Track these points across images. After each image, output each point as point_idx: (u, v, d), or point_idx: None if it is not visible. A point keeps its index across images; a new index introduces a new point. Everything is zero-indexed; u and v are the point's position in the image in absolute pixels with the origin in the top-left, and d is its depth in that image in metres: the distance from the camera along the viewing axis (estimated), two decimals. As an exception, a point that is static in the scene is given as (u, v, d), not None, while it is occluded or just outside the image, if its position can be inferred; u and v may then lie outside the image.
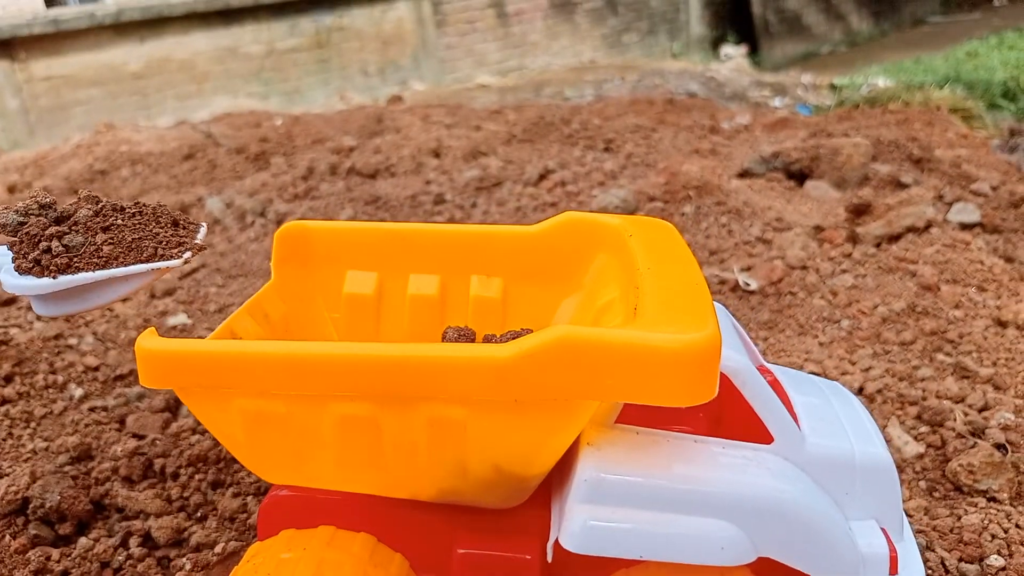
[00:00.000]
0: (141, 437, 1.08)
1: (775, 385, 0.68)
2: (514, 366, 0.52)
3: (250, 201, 2.02)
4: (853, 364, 1.23)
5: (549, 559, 0.60)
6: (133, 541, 0.92)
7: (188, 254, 0.67)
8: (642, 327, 0.52)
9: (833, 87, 5.37)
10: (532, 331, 0.76)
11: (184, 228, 0.70)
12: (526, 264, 0.80)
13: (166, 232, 0.67)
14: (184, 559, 0.88)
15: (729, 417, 0.68)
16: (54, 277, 0.62)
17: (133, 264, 0.64)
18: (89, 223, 0.66)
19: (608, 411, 0.61)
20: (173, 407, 1.17)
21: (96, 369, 1.26)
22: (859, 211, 1.52)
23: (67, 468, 1.01)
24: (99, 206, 0.68)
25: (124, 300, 1.50)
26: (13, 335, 1.26)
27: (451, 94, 6.11)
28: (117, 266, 0.64)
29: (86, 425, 1.12)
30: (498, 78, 6.85)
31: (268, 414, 0.57)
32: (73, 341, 1.32)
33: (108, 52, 5.36)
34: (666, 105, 3.24)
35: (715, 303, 0.72)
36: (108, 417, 1.14)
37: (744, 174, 1.91)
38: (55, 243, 0.63)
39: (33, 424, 1.13)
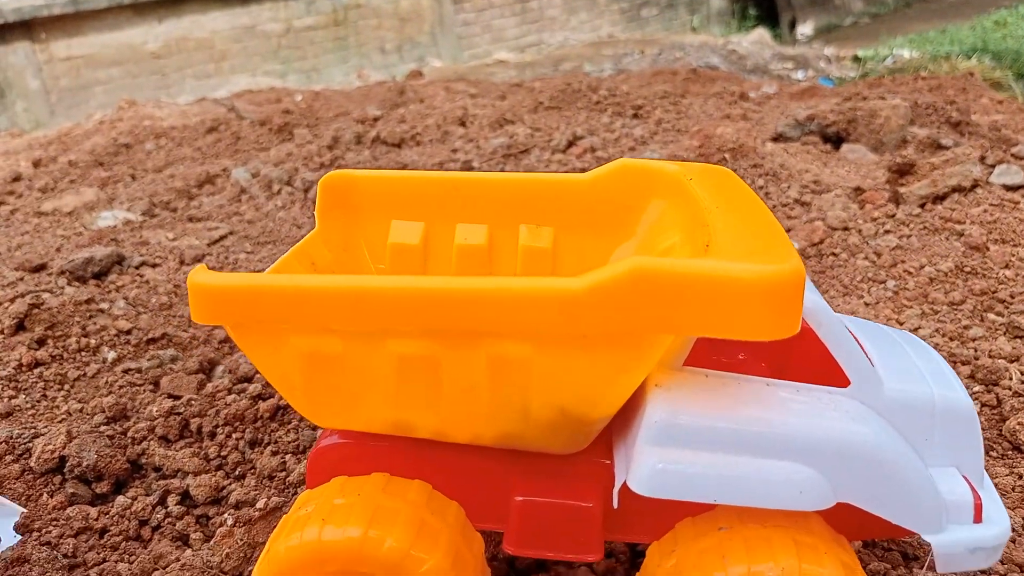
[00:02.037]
0: (176, 398, 1.07)
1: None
2: (587, 298, 0.49)
3: (276, 171, 2.00)
4: (901, 324, 1.19)
5: (615, 505, 0.57)
6: (171, 499, 0.91)
7: None
8: (718, 259, 0.49)
9: (856, 59, 5.27)
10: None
11: None
12: (577, 213, 0.77)
13: None
14: (225, 515, 0.86)
15: (797, 362, 0.65)
16: None
17: None
18: None
19: (675, 353, 0.58)
20: (207, 368, 1.15)
21: (128, 332, 1.24)
22: (902, 171, 1.48)
23: (103, 428, 1.00)
24: None
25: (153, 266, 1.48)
26: (45, 299, 1.25)
27: (469, 70, 6.05)
28: None
29: (120, 387, 1.10)
30: (516, 54, 6.78)
31: (324, 353, 0.55)
32: (104, 305, 1.31)
33: (127, 32, 5.35)
34: (689, 75, 3.18)
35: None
36: (142, 379, 1.12)
37: (778, 138, 1.86)
38: None
39: (67, 386, 1.12)
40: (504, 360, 0.54)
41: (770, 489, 0.54)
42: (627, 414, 0.60)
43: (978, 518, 0.57)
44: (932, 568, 0.77)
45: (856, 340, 0.65)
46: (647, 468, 0.54)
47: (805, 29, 6.98)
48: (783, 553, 0.54)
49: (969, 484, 0.58)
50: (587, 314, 0.49)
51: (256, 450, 0.98)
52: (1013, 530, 0.83)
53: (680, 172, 0.71)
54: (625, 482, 0.56)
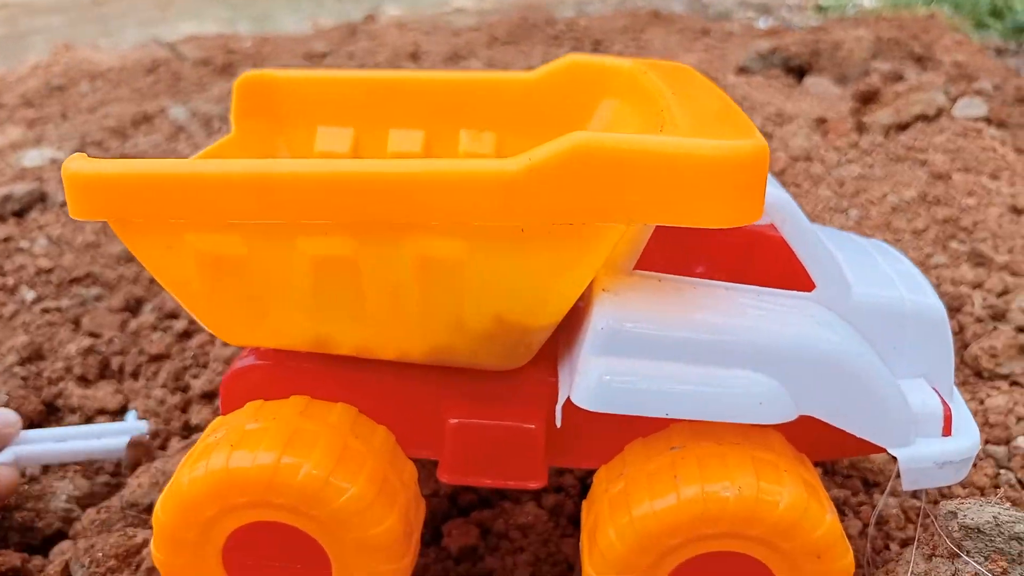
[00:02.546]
0: (97, 336, 0.99)
1: (811, 233, 0.60)
2: (524, 181, 0.43)
3: (217, 108, 1.89)
4: (864, 253, 1.16)
5: (558, 424, 0.52)
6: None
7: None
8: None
9: (819, 8, 5.22)
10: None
11: None
12: (522, 114, 0.70)
13: None
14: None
15: (757, 269, 0.60)
16: None
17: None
18: None
19: (625, 254, 0.53)
20: (133, 306, 1.07)
21: (50, 272, 1.15)
22: (866, 99, 1.43)
23: (16, 369, 0.92)
24: None
25: None
26: (-44, 236, 1.15)
27: (427, 19, 5.87)
28: None
29: (37, 327, 1.02)
30: (476, 1, 6.60)
31: (227, 255, 0.48)
32: (25, 244, 1.22)
33: (65, -24, 5.08)
34: (651, 17, 3.10)
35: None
36: (62, 318, 1.04)
37: (742, 71, 1.80)
38: None
39: (-21, 327, 1.04)
40: (433, 260, 0.47)
41: (726, 401, 0.49)
42: (572, 324, 0.54)
43: (947, 431, 0.53)
44: (893, 494, 0.74)
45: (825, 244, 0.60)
46: (592, 380, 0.48)
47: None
48: (739, 471, 0.49)
49: (939, 395, 0.54)
50: (525, 199, 0.43)
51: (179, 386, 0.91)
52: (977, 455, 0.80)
53: (635, 67, 0.64)
54: (569, 398, 0.50)
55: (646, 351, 0.49)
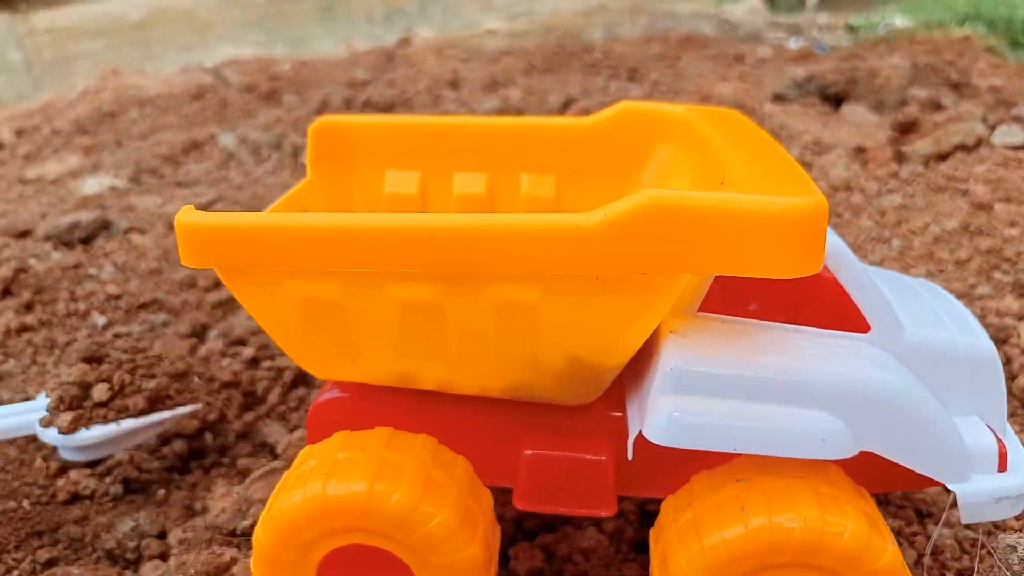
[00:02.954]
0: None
1: (865, 275, 0.63)
2: (600, 235, 0.46)
3: (265, 135, 1.95)
4: (906, 282, 1.17)
5: (630, 457, 0.55)
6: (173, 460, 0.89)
7: (200, 403, 0.88)
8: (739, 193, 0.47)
9: (850, 27, 5.22)
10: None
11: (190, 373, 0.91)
12: (580, 159, 0.74)
13: (183, 381, 0.89)
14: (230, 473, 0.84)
15: (812, 311, 0.63)
16: (88, 427, 0.79)
17: (162, 412, 0.84)
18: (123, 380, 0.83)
19: (690, 298, 0.56)
20: (199, 332, 1.12)
21: (118, 298, 1.21)
22: (905, 129, 1.45)
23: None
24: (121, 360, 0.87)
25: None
26: (32, 264, 1.21)
27: (459, 40, 5.96)
28: (149, 414, 0.83)
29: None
30: (506, 23, 6.68)
31: (322, 298, 0.52)
32: (93, 271, 1.28)
33: (109, 2, 5.23)
34: (683, 41, 3.13)
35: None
36: (133, 343, 1.09)
37: (777, 99, 1.83)
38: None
39: (57, 351, 1.09)
40: (512, 304, 0.51)
41: (791, 438, 0.51)
42: (639, 363, 0.57)
43: (1003, 467, 0.55)
44: (947, 524, 0.76)
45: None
46: (663, 417, 0.51)
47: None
48: (804, 504, 0.52)
49: (993, 432, 0.57)
50: (600, 252, 0.47)
51: (251, 413, 0.96)
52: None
53: (688, 114, 0.68)
54: (639, 433, 0.53)
55: (713, 390, 0.52)
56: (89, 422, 0.79)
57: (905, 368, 0.56)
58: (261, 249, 0.49)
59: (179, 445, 0.91)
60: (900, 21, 5.05)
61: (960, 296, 1.13)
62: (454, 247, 0.48)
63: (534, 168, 0.75)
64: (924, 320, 0.59)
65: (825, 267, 0.57)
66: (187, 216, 0.50)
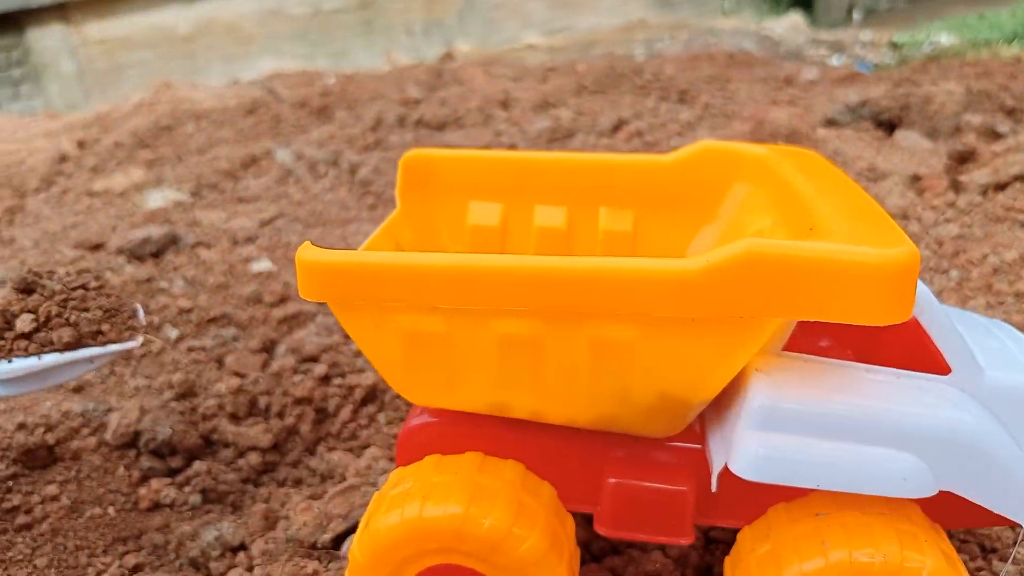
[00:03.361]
0: (243, 376, 1.08)
1: (942, 316, 0.64)
2: (701, 280, 0.49)
3: (320, 152, 2.00)
4: (964, 314, 1.18)
5: (714, 489, 0.58)
6: (248, 472, 0.92)
7: (140, 338, 0.79)
8: (833, 243, 0.49)
9: (894, 45, 5.17)
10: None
11: (126, 310, 0.80)
12: (658, 195, 0.77)
13: (118, 316, 0.79)
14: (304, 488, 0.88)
15: (884, 349, 0.65)
16: (9, 361, 0.72)
17: (92, 348, 0.75)
18: (50, 311, 0.75)
19: (775, 338, 0.58)
20: (269, 348, 1.17)
21: (189, 311, 1.26)
22: (962, 159, 1.46)
23: (173, 404, 1.02)
24: (54, 290, 0.78)
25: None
26: (107, 278, 1.27)
27: (499, 54, 6.01)
28: (77, 349, 0.74)
29: (186, 364, 1.12)
30: (546, 38, 6.74)
31: (427, 332, 0.55)
32: (164, 284, 1.33)
33: (159, 14, 5.38)
34: (727, 60, 3.14)
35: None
36: (207, 357, 1.14)
37: (830, 123, 1.84)
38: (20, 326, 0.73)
39: (133, 362, 1.14)
40: (607, 342, 0.54)
41: (873, 476, 0.53)
42: (721, 398, 0.60)
43: (1080, 509, 0.56)
44: (1014, 562, 0.77)
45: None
46: (750, 453, 0.54)
47: (858, 15, 6.87)
48: (884, 540, 0.54)
49: (1070, 474, 0.58)
50: (700, 296, 0.49)
51: (323, 428, 0.99)
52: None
53: (768, 156, 0.70)
54: (726, 466, 0.56)
55: (799, 427, 0.54)
56: (10, 354, 0.73)
57: (985, 410, 0.58)
58: (373, 285, 0.53)
59: (254, 458, 0.95)
60: (945, 39, 5.00)
61: (1020, 329, 1.14)
62: (559, 289, 0.51)
63: (613, 203, 0.77)
64: (1002, 362, 0.60)
65: (905, 309, 0.59)
66: (307, 253, 0.53)
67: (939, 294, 1.23)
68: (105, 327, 0.76)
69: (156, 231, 1.47)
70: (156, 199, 1.80)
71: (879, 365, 0.61)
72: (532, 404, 0.58)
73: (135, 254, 1.42)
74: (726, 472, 0.56)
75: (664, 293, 0.50)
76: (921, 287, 0.58)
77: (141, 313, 0.81)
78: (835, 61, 5.16)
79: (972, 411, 0.56)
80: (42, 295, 0.76)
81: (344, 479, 0.87)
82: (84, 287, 0.79)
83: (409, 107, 2.30)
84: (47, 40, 5.09)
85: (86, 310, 0.76)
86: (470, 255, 0.52)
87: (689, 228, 0.76)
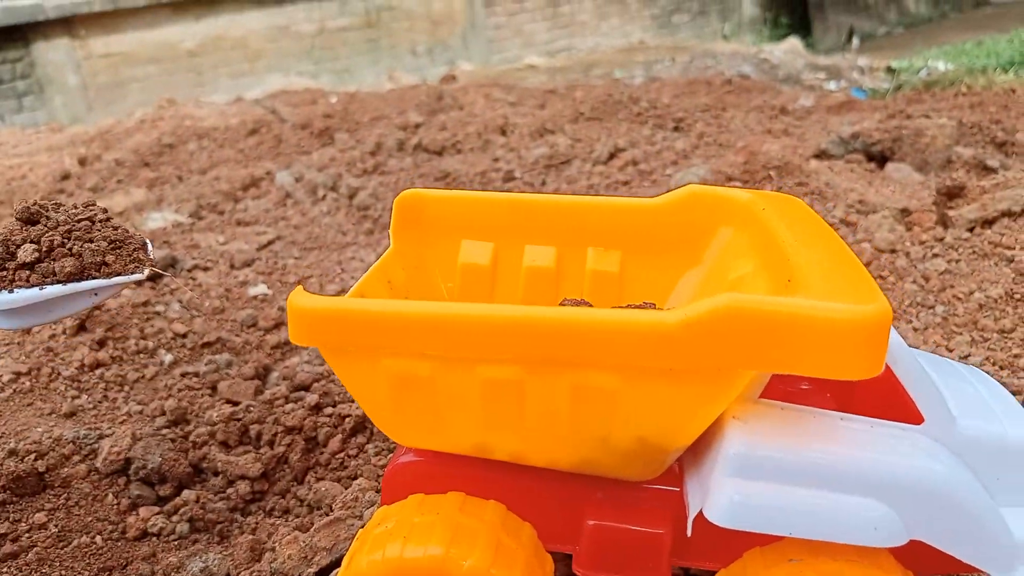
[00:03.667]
0: (235, 403, 1.09)
1: (917, 365, 0.66)
2: (679, 333, 0.50)
3: (320, 175, 2.02)
4: (950, 351, 1.19)
5: (689, 534, 0.59)
6: (236, 502, 0.93)
7: (147, 270, 0.75)
8: (807, 298, 0.51)
9: (890, 70, 5.22)
10: (655, 305, 0.74)
11: (134, 242, 0.77)
12: (645, 237, 0.78)
13: (124, 248, 0.75)
14: (291, 518, 0.88)
15: (862, 393, 0.66)
16: (11, 291, 0.70)
17: (96, 280, 0.72)
18: (53, 241, 0.72)
19: (754, 386, 0.59)
20: (262, 375, 1.18)
21: (184, 336, 1.27)
22: (951, 194, 1.48)
23: (165, 431, 1.03)
24: (59, 221, 0.74)
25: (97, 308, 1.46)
26: (105, 301, 1.28)
27: (500, 74, 6.07)
28: (80, 280, 0.71)
29: (179, 390, 1.13)
30: (547, 59, 6.80)
31: (414, 376, 0.56)
32: (160, 308, 1.34)
33: (165, 30, 5.42)
34: (725, 86, 3.17)
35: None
36: (200, 383, 1.15)
37: (822, 155, 1.86)
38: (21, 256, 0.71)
39: (127, 388, 1.15)
40: (588, 389, 0.55)
41: (845, 524, 0.54)
42: (700, 444, 0.61)
43: (1050, 559, 0.58)
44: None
45: (928, 374, 0.66)
46: (725, 499, 0.55)
47: (857, 40, 6.95)
48: (856, 587, 0.55)
49: (1041, 524, 0.59)
50: (678, 348, 0.51)
51: (312, 457, 1.00)
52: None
53: (752, 201, 0.72)
54: (701, 512, 0.57)
55: (773, 475, 0.55)
56: (11, 284, 0.70)
57: (957, 459, 0.59)
58: (362, 332, 0.54)
59: (243, 487, 0.96)
60: (942, 65, 5.04)
61: (1004, 367, 1.15)
62: (541, 338, 0.52)
63: (601, 243, 0.79)
64: (975, 411, 0.61)
65: (882, 359, 0.61)
66: (299, 299, 0.55)
67: (924, 330, 1.24)
68: (110, 258, 0.73)
69: (155, 254, 1.48)
70: (156, 220, 1.82)
71: (856, 410, 0.63)
72: (514, 447, 0.60)
73: (132, 277, 1.43)
74: (703, 516, 0.57)
75: (643, 345, 0.51)
76: (894, 336, 0.60)
77: (150, 247, 0.78)
78: (832, 86, 5.20)
79: (944, 461, 0.57)
80: (46, 225, 0.74)
81: (331, 510, 0.88)
82: (91, 219, 0.75)
83: (409, 132, 2.33)
84: (52, 53, 5.13)
85: (90, 241, 0.73)
86: (456, 304, 0.54)
87: (675, 271, 0.77)
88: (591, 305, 0.75)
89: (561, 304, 0.76)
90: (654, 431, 0.56)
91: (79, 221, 0.75)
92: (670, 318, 0.50)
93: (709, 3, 7.92)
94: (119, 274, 0.73)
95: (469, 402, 0.57)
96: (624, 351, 0.52)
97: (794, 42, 6.81)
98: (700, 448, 0.61)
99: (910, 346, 1.20)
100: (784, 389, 0.69)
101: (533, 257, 0.79)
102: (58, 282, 0.71)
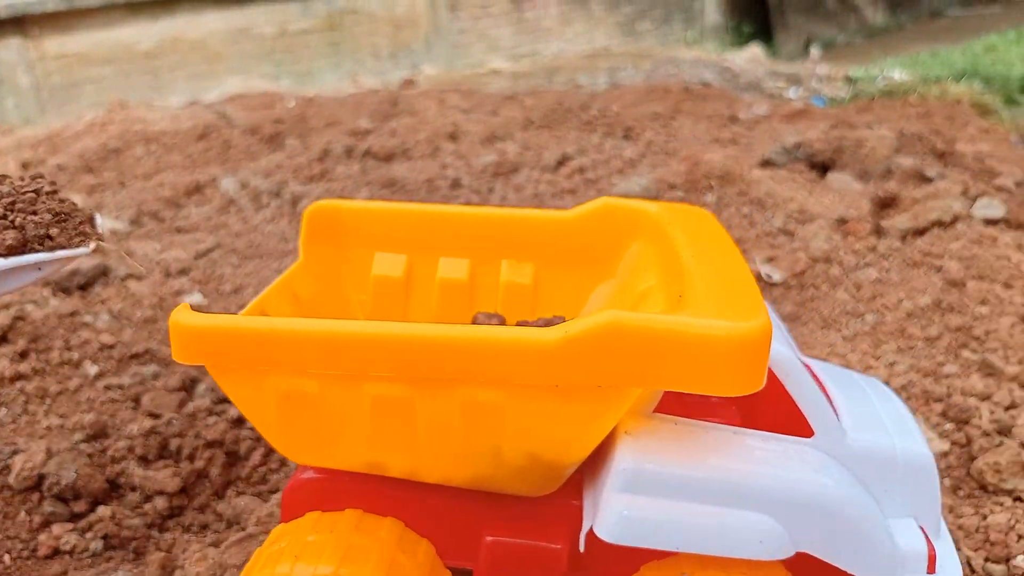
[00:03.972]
0: (157, 416, 1.07)
1: (814, 379, 0.66)
2: (560, 350, 0.50)
3: (265, 182, 2.00)
4: (877, 359, 1.21)
5: (582, 549, 0.59)
6: (147, 518, 0.91)
7: (93, 244, 0.71)
8: (691, 314, 0.51)
9: (849, 79, 5.31)
10: (564, 318, 0.74)
11: (80, 216, 0.73)
12: (559, 250, 0.78)
13: (69, 222, 0.71)
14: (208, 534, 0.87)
15: (764, 410, 0.66)
16: None
17: (39, 254, 0.68)
18: None
19: (646, 400, 0.60)
20: (189, 386, 1.16)
21: (111, 347, 1.25)
22: (885, 204, 1.50)
23: (82, 446, 1.01)
24: (2, 193, 0.71)
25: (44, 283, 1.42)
26: (29, 311, 1.25)
27: (463, 79, 6.06)
28: (23, 254, 0.67)
29: (101, 403, 1.11)
30: (511, 63, 6.81)
31: (301, 394, 0.56)
32: (88, 319, 1.31)
33: (120, 30, 5.33)
34: (682, 94, 3.20)
35: (755, 293, 0.71)
36: (123, 395, 1.12)
37: (766, 164, 1.88)
38: None
39: (48, 400, 1.12)
40: (477, 406, 0.55)
41: (731, 538, 0.55)
42: (597, 458, 0.61)
43: (931, 569, 0.59)
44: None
45: (823, 387, 0.67)
46: (614, 515, 0.55)
47: (816, 50, 7.06)
48: (745, 600, 0.55)
49: (925, 535, 0.60)
50: (560, 365, 0.51)
51: (233, 472, 0.99)
52: (974, 572, 0.84)
53: (660, 213, 0.72)
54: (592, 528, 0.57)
55: (662, 490, 0.55)
56: None
57: (846, 471, 0.60)
58: (247, 350, 0.53)
59: (160, 503, 0.94)
60: (898, 75, 5.14)
61: (928, 374, 1.17)
62: (425, 356, 0.52)
63: (515, 255, 0.79)
64: (866, 424, 0.62)
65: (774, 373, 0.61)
66: (181, 317, 0.54)
67: (854, 338, 1.26)
68: (54, 231, 0.70)
69: (86, 263, 1.46)
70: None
71: (760, 422, 0.63)
72: (407, 464, 0.59)
73: (61, 287, 1.40)
74: (599, 531, 0.57)
75: (526, 362, 0.51)
76: (785, 352, 0.60)
77: (99, 220, 0.76)
78: (792, 93, 5.28)
79: (831, 474, 0.58)
80: None
81: (247, 526, 0.87)
82: (36, 191, 0.72)
83: (358, 138, 2.31)
84: (4, 53, 5.02)
85: (34, 213, 0.70)
86: (339, 321, 0.53)
87: (588, 284, 0.77)
88: (504, 318, 0.75)
89: (474, 317, 0.75)
90: (545, 447, 0.56)
91: (24, 193, 0.72)
92: (550, 335, 0.50)
93: (673, 10, 8.00)
94: (63, 247, 0.70)
95: (359, 419, 0.57)
96: (507, 368, 0.51)
97: (756, 50, 6.90)
98: (598, 462, 0.61)
99: (830, 355, 1.22)
100: (692, 401, 0.70)
101: (447, 269, 0.78)
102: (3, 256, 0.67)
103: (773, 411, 0.65)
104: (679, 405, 0.65)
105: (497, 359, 0.51)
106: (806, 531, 0.56)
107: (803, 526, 0.56)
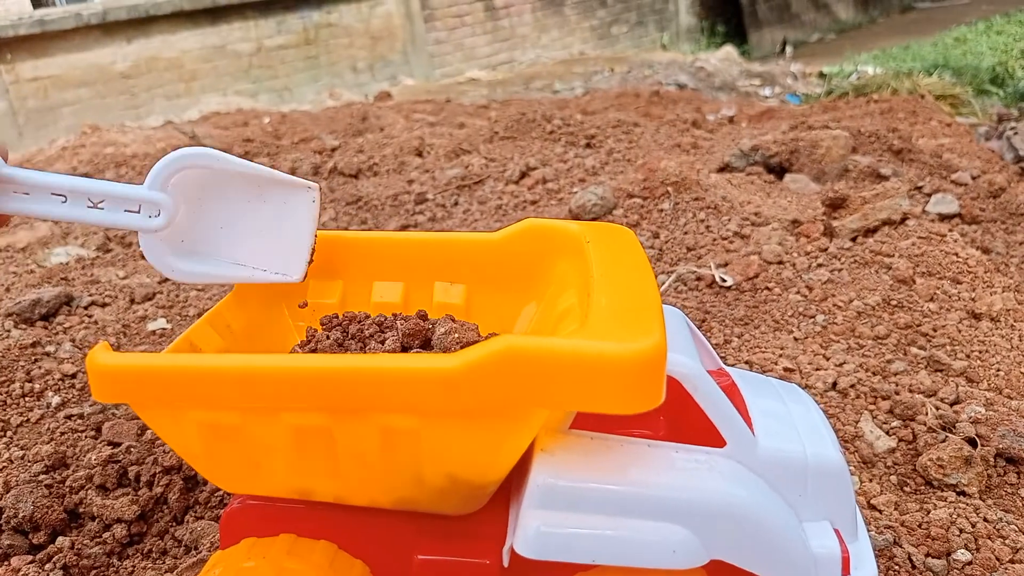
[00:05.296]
0: (116, 444, 1.08)
1: (731, 389, 0.69)
2: (461, 376, 0.52)
3: (232, 203, 2.02)
4: (827, 359, 1.24)
5: (505, 564, 0.61)
6: (113, 546, 0.93)
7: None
8: (588, 335, 0.53)
9: (822, 76, 5.36)
10: (497, 335, 0.76)
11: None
12: (488, 271, 0.80)
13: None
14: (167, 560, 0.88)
15: (685, 421, 0.69)
16: None
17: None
18: None
19: (562, 417, 0.62)
20: (150, 413, 1.17)
21: (73, 376, 1.26)
22: (835, 205, 1.53)
23: (42, 477, 1.02)
24: None
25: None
26: (-10, 343, 1.26)
27: (441, 89, 6.08)
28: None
29: (62, 433, 1.12)
30: (488, 72, 6.84)
31: (223, 426, 0.57)
32: (51, 348, 1.33)
33: (95, 52, 5.34)
34: (652, 98, 3.24)
35: (670, 307, 0.73)
36: (84, 424, 1.14)
37: (724, 168, 1.91)
38: None
39: (9, 433, 1.14)
40: (393, 431, 0.57)
41: (645, 549, 0.57)
42: (519, 474, 0.63)
43: (846, 570, 0.61)
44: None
45: (740, 396, 0.69)
46: (530, 531, 0.57)
47: (789, 49, 7.12)
48: (661, 608, 0.57)
49: (839, 537, 0.62)
50: (463, 390, 0.53)
51: (190, 497, 1.00)
52: (915, 567, 0.87)
53: (580, 233, 0.74)
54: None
55: (577, 504, 0.57)
56: None
57: (758, 479, 0.62)
58: (163, 388, 0.55)
59: (119, 530, 0.96)
60: (871, 70, 5.20)
61: (876, 372, 1.20)
62: (334, 387, 0.54)
63: (447, 277, 0.81)
64: (777, 432, 0.64)
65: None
66: (98, 356, 0.56)
67: (805, 339, 1.28)
68: None
69: (48, 292, 1.47)
70: (60, 256, 1.80)
71: (684, 434, 0.65)
72: (332, 489, 0.61)
73: (23, 318, 1.42)
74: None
75: (431, 389, 0.53)
76: (693, 365, 0.62)
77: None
78: (767, 92, 5.32)
79: (742, 482, 0.60)
80: None
81: (200, 554, 0.88)
82: None
83: (325, 156, 2.33)
84: (-22, 79, 5.02)
85: None
86: (252, 356, 0.55)
87: (517, 303, 0.79)
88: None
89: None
90: (463, 468, 0.58)
91: None
92: (450, 362, 0.52)
93: (647, 13, 8.05)
94: None
95: (282, 449, 0.58)
96: (414, 396, 0.53)
97: (729, 50, 6.95)
98: (520, 479, 0.63)
99: (781, 357, 1.24)
100: (614, 416, 0.72)
101: (382, 293, 0.80)
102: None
103: (692, 423, 0.67)
104: (601, 420, 0.67)
105: (403, 387, 0.53)
106: (719, 539, 0.58)
107: (715, 534, 0.58)
